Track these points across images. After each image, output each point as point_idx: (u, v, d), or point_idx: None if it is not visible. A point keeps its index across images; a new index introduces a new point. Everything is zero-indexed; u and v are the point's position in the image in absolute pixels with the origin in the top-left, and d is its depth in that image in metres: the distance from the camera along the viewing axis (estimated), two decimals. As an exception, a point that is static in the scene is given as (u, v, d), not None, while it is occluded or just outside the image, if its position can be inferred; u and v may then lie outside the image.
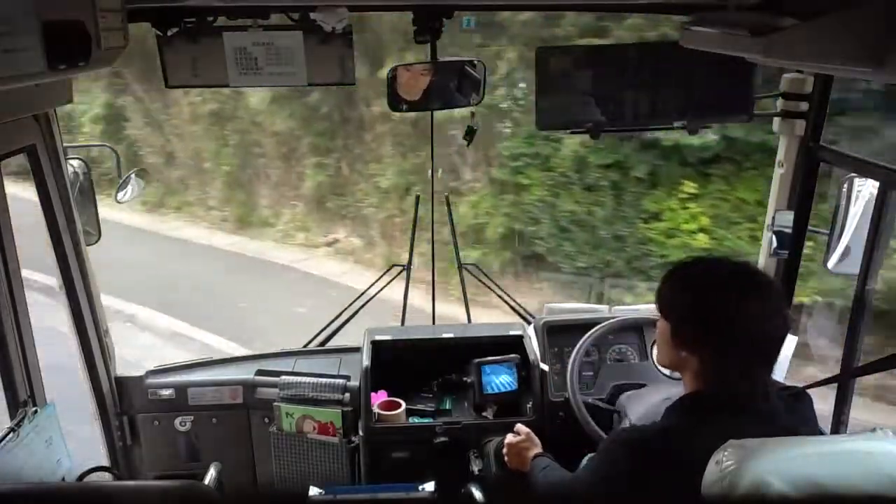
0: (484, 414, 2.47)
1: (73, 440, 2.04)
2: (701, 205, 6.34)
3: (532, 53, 2.31)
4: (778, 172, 2.39)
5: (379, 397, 2.48)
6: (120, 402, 2.55)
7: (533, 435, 2.12)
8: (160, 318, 6.82)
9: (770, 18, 1.52)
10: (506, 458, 2.13)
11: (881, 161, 1.97)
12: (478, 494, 2.13)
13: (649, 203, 6.55)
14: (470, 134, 2.53)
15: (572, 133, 2.40)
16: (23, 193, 2.23)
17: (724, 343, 1.46)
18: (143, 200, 9.60)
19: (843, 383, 2.10)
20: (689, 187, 6.36)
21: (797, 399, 1.61)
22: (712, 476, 1.17)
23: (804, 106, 2.27)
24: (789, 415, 1.53)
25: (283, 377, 2.53)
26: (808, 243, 2.42)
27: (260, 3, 2.06)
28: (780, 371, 2.15)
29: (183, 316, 6.69)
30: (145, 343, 6.40)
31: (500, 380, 2.46)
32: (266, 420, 2.57)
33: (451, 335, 2.63)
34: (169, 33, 2.03)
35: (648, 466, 1.44)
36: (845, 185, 2.20)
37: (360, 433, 2.43)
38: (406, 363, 2.58)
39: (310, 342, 2.90)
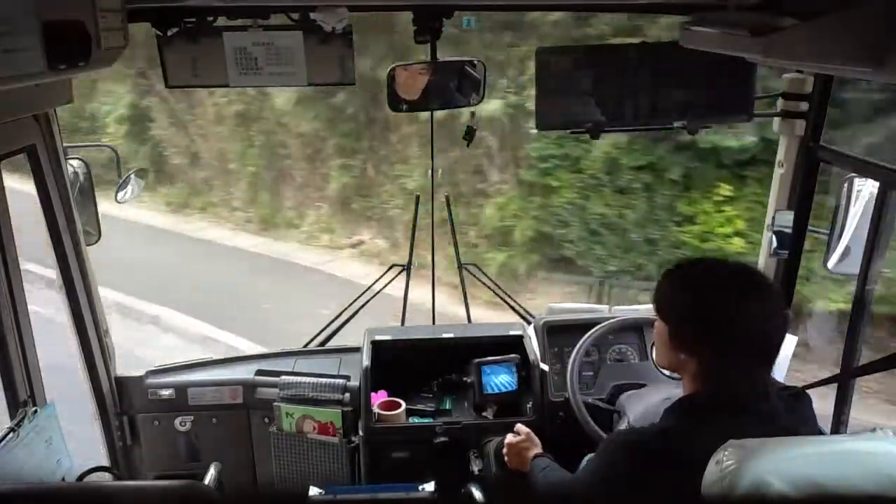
0: (484, 414, 2.47)
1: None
2: (736, 208, 6.19)
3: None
4: (778, 172, 2.39)
5: (379, 397, 2.48)
6: (120, 402, 2.55)
7: (533, 435, 2.12)
8: (184, 319, 6.78)
9: (770, 18, 1.52)
10: (506, 458, 2.13)
11: (881, 161, 1.97)
12: (478, 494, 2.13)
13: (683, 206, 6.39)
14: (469, 134, 2.53)
15: (572, 133, 2.39)
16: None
17: (724, 343, 1.46)
18: (168, 201, 9.66)
19: (843, 383, 2.09)
20: (725, 190, 6.21)
21: (797, 399, 1.61)
22: (712, 476, 1.17)
23: (804, 106, 2.27)
24: (789, 415, 1.53)
25: (283, 377, 2.53)
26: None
27: (260, 3, 2.06)
28: (780, 371, 2.15)
29: (207, 317, 6.65)
30: (168, 345, 6.38)
31: (500, 380, 2.46)
32: (266, 420, 2.57)
33: (451, 335, 2.63)
34: (169, 33, 2.03)
35: (648, 467, 1.44)
36: (845, 185, 2.20)
37: (360, 433, 2.43)
38: (406, 363, 2.58)
39: (310, 342, 2.90)
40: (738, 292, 1.48)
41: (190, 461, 2.60)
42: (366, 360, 2.47)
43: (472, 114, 2.58)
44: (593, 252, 6.70)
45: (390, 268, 2.95)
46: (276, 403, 2.52)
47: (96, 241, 2.44)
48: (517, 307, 2.93)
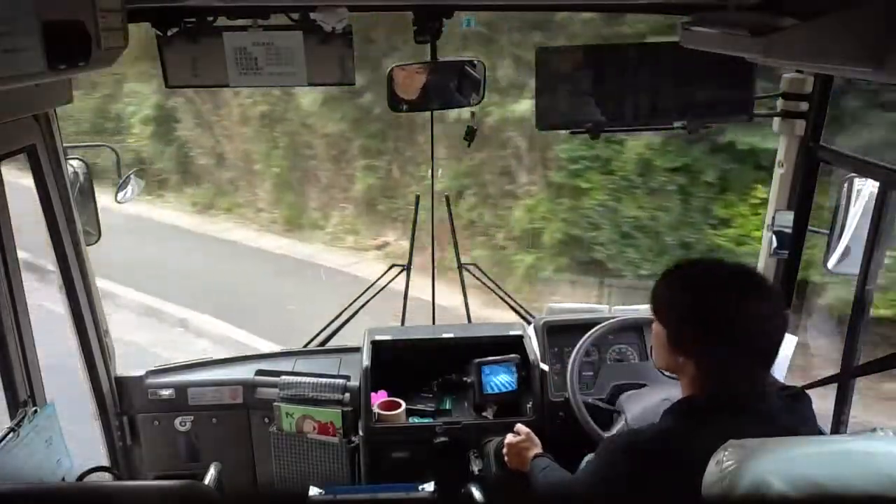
0: (484, 414, 2.47)
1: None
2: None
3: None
4: (778, 172, 2.39)
5: (379, 397, 2.48)
6: (120, 402, 2.55)
7: (533, 435, 2.12)
8: (211, 321, 6.70)
9: (770, 18, 1.52)
10: (506, 458, 2.13)
11: (881, 161, 1.97)
12: (478, 494, 2.13)
13: (719, 209, 6.20)
14: (470, 134, 2.53)
15: (572, 133, 2.39)
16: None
17: (724, 343, 1.46)
18: (194, 201, 9.64)
19: (843, 383, 2.09)
20: (762, 192, 5.96)
21: (796, 399, 1.60)
22: (712, 476, 1.17)
23: (804, 106, 2.27)
24: (789, 415, 1.53)
25: (283, 377, 2.53)
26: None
27: (260, 3, 2.06)
28: (780, 371, 2.15)
29: (234, 320, 6.57)
30: (198, 348, 6.32)
31: (500, 380, 2.46)
32: (266, 420, 2.57)
33: (451, 335, 2.63)
34: (169, 33, 2.03)
35: (647, 469, 1.44)
36: (845, 185, 2.20)
37: (360, 433, 2.43)
38: (406, 363, 2.58)
39: (310, 342, 2.90)
40: (739, 292, 1.48)
41: (190, 461, 2.60)
42: (366, 360, 2.47)
43: (473, 114, 2.58)
44: (625, 255, 6.50)
45: (390, 267, 2.95)
46: (276, 403, 2.52)
47: (96, 241, 2.44)
48: (517, 307, 2.93)
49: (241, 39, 2.05)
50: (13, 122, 1.87)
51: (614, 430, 2.25)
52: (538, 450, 2.07)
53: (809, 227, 2.39)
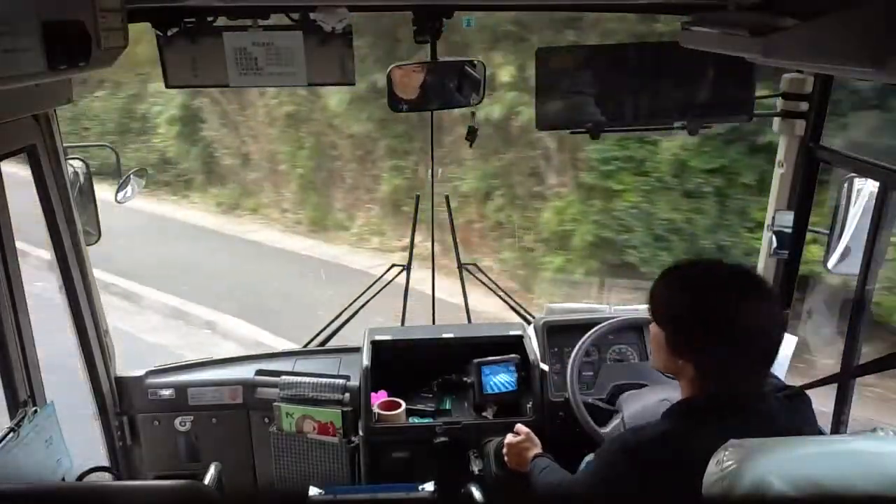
0: (484, 414, 2.47)
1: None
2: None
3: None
4: (778, 172, 2.39)
5: (379, 397, 2.48)
6: (120, 402, 2.55)
7: (533, 435, 2.12)
8: (238, 323, 6.64)
9: (770, 18, 1.52)
10: (506, 458, 2.13)
11: (881, 161, 1.97)
12: (478, 494, 2.13)
13: (756, 211, 5.92)
14: (471, 134, 2.53)
15: (572, 133, 2.39)
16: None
17: (724, 343, 1.46)
18: (219, 202, 9.59)
19: (843, 383, 2.09)
20: None
21: (797, 399, 1.60)
22: (712, 476, 1.17)
23: (804, 106, 2.27)
24: (789, 415, 1.53)
25: (283, 377, 2.53)
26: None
27: (260, 3, 2.06)
28: (780, 371, 2.15)
29: (260, 322, 6.50)
30: (227, 351, 6.22)
31: (500, 380, 2.46)
32: (266, 420, 2.57)
33: (451, 335, 2.63)
34: (169, 33, 2.03)
35: (647, 469, 1.44)
36: (845, 185, 2.20)
37: (360, 433, 2.43)
38: (406, 363, 2.58)
39: (310, 342, 2.90)
40: (738, 292, 1.48)
41: (190, 461, 2.60)
42: (366, 360, 2.47)
43: (473, 114, 2.58)
44: (659, 258, 6.27)
45: (390, 267, 2.95)
46: (276, 403, 2.51)
47: (96, 241, 2.44)
48: (517, 307, 2.93)
49: (241, 39, 2.05)
50: (13, 122, 1.87)
51: (610, 428, 2.25)
52: (538, 450, 2.07)
53: (809, 227, 2.39)
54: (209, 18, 2.04)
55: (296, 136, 8.98)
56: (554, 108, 2.31)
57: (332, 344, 2.88)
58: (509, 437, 2.14)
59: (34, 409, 1.93)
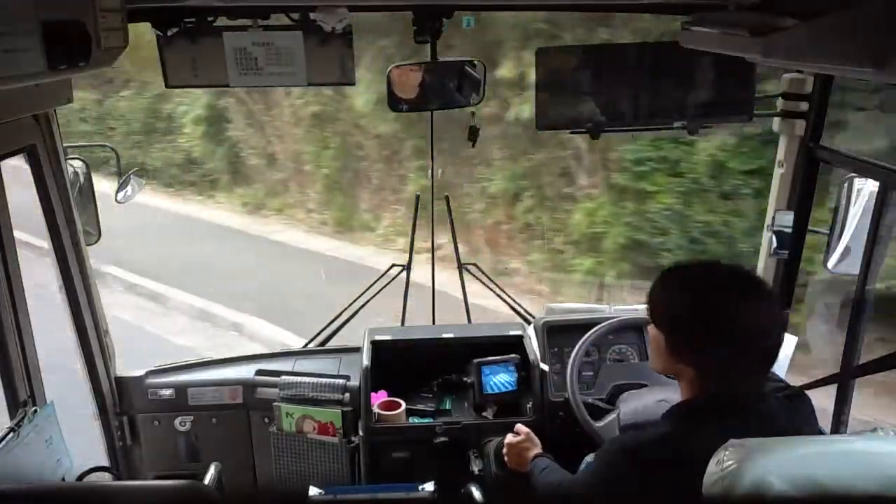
0: (484, 414, 2.47)
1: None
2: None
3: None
4: (778, 172, 2.39)
5: (379, 397, 2.48)
6: (120, 402, 2.55)
7: (533, 435, 2.12)
8: (265, 326, 6.57)
9: (770, 18, 1.52)
10: (506, 459, 2.13)
11: (881, 161, 1.97)
12: (478, 494, 2.13)
13: None
14: (473, 134, 2.53)
15: (572, 133, 2.39)
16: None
17: (724, 343, 1.46)
18: (244, 202, 9.55)
19: (843, 383, 2.10)
20: None
21: (797, 399, 1.60)
22: (712, 476, 1.17)
23: (804, 106, 2.27)
24: (789, 415, 1.53)
25: (283, 377, 2.53)
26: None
27: (260, 3, 2.06)
28: (780, 371, 2.15)
29: (286, 324, 6.41)
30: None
31: (500, 380, 2.46)
32: (266, 420, 2.57)
33: (451, 335, 2.63)
34: (169, 33, 2.03)
35: (647, 470, 1.44)
36: (845, 185, 2.20)
37: (360, 433, 2.43)
38: (406, 363, 2.58)
39: (310, 342, 2.90)
40: (738, 292, 1.48)
41: (190, 461, 2.60)
42: (366, 360, 2.47)
43: (473, 114, 2.58)
44: None
45: (390, 267, 2.95)
46: (276, 403, 2.51)
47: (96, 241, 2.43)
48: (517, 307, 2.93)
49: (241, 39, 2.05)
50: (13, 122, 1.87)
51: (604, 423, 2.25)
52: (538, 450, 2.07)
53: (809, 227, 2.39)
54: (209, 18, 2.04)
55: (321, 136, 8.92)
56: (554, 108, 2.31)
57: (332, 344, 2.88)
58: (509, 437, 2.14)
59: (34, 409, 1.93)
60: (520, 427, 2.16)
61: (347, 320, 2.91)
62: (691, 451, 1.26)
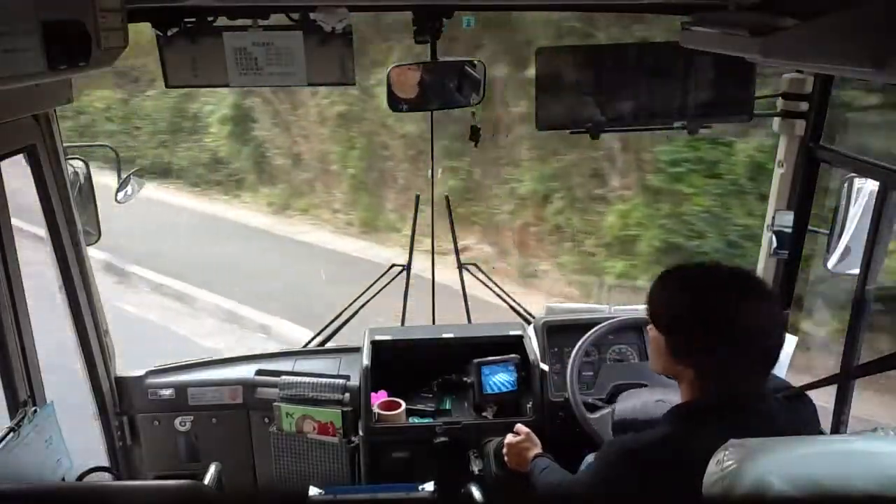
0: (484, 414, 2.47)
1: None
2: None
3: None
4: (778, 172, 2.39)
5: (379, 397, 2.48)
6: (120, 402, 2.55)
7: (533, 435, 2.12)
8: (293, 328, 6.46)
9: (770, 18, 1.52)
10: (506, 459, 2.13)
11: (881, 161, 1.97)
12: (478, 494, 2.13)
13: None
14: (475, 134, 2.53)
15: (572, 133, 2.39)
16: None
17: (724, 344, 1.46)
18: (270, 202, 9.48)
19: (843, 383, 2.09)
20: None
21: (797, 400, 1.60)
22: (712, 476, 1.17)
23: (804, 106, 2.27)
24: (790, 415, 1.53)
25: (283, 377, 2.53)
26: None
27: (260, 3, 2.06)
28: (780, 371, 2.15)
29: (312, 325, 6.16)
30: None
31: (500, 380, 2.46)
32: (266, 420, 2.57)
33: (451, 335, 2.63)
34: (169, 33, 2.03)
35: (647, 470, 1.44)
36: (845, 185, 2.20)
37: (360, 433, 2.43)
38: (406, 363, 2.58)
39: (310, 342, 2.90)
40: (738, 292, 1.48)
41: (190, 461, 2.60)
42: (366, 360, 2.47)
43: (473, 114, 2.58)
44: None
45: (390, 267, 2.95)
46: (276, 403, 2.51)
47: (96, 241, 2.44)
48: (517, 307, 2.93)
49: (241, 39, 2.05)
50: (13, 122, 1.87)
51: (598, 415, 2.26)
52: (538, 450, 2.07)
53: (809, 227, 2.39)
54: (209, 18, 2.04)
55: (347, 136, 8.82)
56: (554, 108, 2.31)
57: (332, 344, 2.88)
58: (509, 437, 2.15)
59: (34, 409, 1.93)
60: (520, 427, 2.16)
61: (347, 320, 2.91)
62: (691, 451, 1.26)
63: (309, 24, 2.04)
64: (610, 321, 2.44)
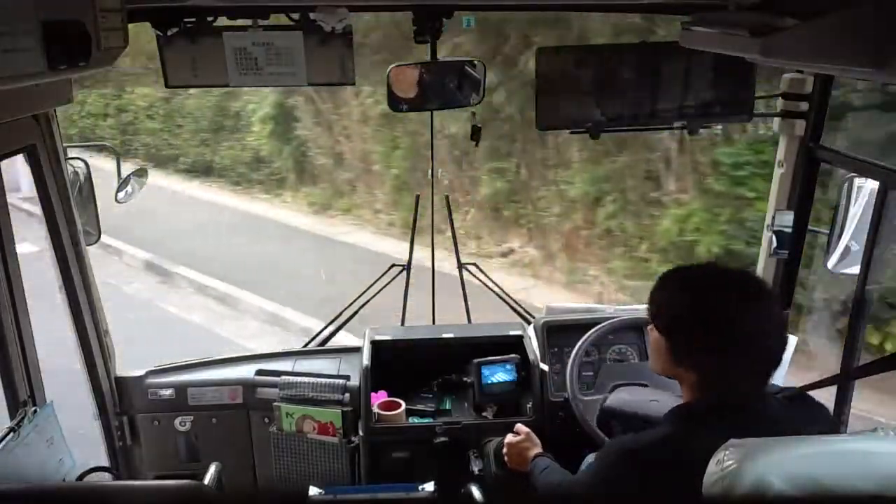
0: (484, 414, 2.47)
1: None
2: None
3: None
4: (778, 172, 2.39)
5: (379, 397, 2.48)
6: (120, 402, 2.55)
7: (533, 435, 2.12)
8: (339, 334, 6.46)
9: (770, 18, 1.52)
10: (506, 458, 2.13)
11: (881, 161, 1.97)
12: (478, 494, 2.13)
13: None
14: (476, 133, 2.53)
15: (572, 133, 2.39)
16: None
17: (725, 344, 1.46)
18: (311, 202, 9.41)
19: (843, 383, 2.09)
20: None
21: (798, 400, 1.60)
22: (713, 476, 1.17)
23: (804, 106, 2.27)
24: (791, 416, 1.53)
25: (283, 377, 2.53)
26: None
27: (260, 3, 2.06)
28: (780, 371, 2.15)
29: (355, 329, 6.19)
30: None
31: (500, 379, 2.47)
32: (266, 420, 2.57)
33: (451, 335, 2.63)
34: (169, 33, 2.03)
35: (647, 470, 1.44)
36: (845, 185, 2.20)
37: (360, 433, 2.43)
38: (406, 363, 2.58)
39: (310, 342, 2.90)
40: (738, 293, 1.48)
41: (190, 461, 2.60)
42: (366, 360, 2.47)
43: (473, 114, 2.58)
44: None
45: (390, 267, 2.95)
46: (276, 403, 2.51)
47: (96, 241, 2.44)
48: (517, 307, 2.93)
49: (241, 39, 2.05)
50: (13, 122, 1.87)
51: (588, 398, 2.27)
52: (538, 450, 2.07)
53: (809, 227, 2.39)
54: (209, 18, 2.04)
55: (391, 136, 8.69)
56: (554, 108, 2.31)
57: (332, 344, 2.88)
58: (509, 437, 2.15)
59: (34, 408, 1.93)
60: (520, 427, 2.16)
61: (347, 320, 2.91)
62: (691, 451, 1.26)
63: (309, 24, 2.04)
64: (610, 321, 2.44)
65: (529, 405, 2.45)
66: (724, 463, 1.15)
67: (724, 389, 1.48)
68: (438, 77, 2.33)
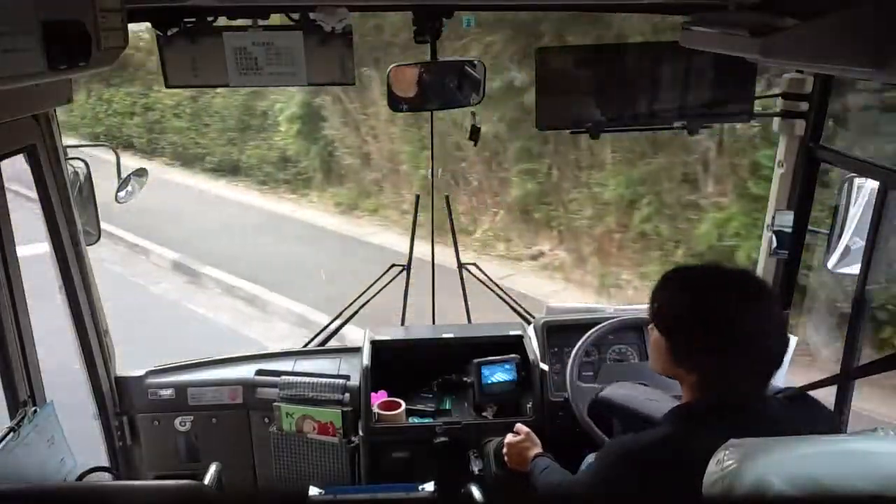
0: (484, 414, 2.47)
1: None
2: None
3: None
4: (778, 172, 2.39)
5: (379, 397, 2.48)
6: (120, 402, 2.55)
7: (533, 435, 2.12)
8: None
9: (770, 18, 1.52)
10: (506, 458, 2.13)
11: (881, 161, 1.97)
12: (478, 494, 2.13)
13: None
14: (475, 133, 2.53)
15: (572, 133, 2.40)
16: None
17: (725, 344, 1.46)
18: (337, 202, 9.33)
19: (843, 383, 2.09)
20: None
21: (800, 401, 1.60)
22: (712, 476, 1.17)
23: (804, 106, 2.27)
24: (792, 416, 1.53)
25: (283, 377, 2.53)
26: None
27: (260, 3, 2.06)
28: (780, 372, 2.15)
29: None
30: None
31: (500, 379, 2.47)
32: (266, 420, 2.57)
33: (450, 335, 2.63)
34: (169, 33, 2.03)
35: (647, 470, 1.44)
36: (845, 185, 2.20)
37: (360, 433, 2.43)
38: (406, 363, 2.58)
39: (310, 342, 2.90)
40: (739, 293, 1.48)
41: (190, 461, 2.60)
42: (366, 360, 2.47)
43: (473, 114, 2.58)
44: (842, 282, 5.22)
45: (390, 267, 2.95)
46: (276, 403, 2.51)
47: (96, 241, 2.44)
48: (517, 307, 2.93)
49: (241, 39, 2.05)
50: (13, 122, 1.87)
51: (584, 386, 2.28)
52: (538, 450, 2.07)
53: (809, 227, 2.39)
54: (209, 18, 2.04)
55: (418, 136, 8.57)
56: (554, 108, 2.31)
57: (332, 344, 2.88)
58: (509, 437, 2.15)
59: (34, 408, 1.93)
60: (520, 427, 2.16)
61: (347, 320, 2.92)
62: (691, 451, 1.26)
63: (309, 24, 2.04)
64: (610, 321, 2.44)
65: (529, 405, 2.45)
66: (724, 463, 1.15)
67: (725, 389, 1.48)
68: (438, 77, 2.33)
